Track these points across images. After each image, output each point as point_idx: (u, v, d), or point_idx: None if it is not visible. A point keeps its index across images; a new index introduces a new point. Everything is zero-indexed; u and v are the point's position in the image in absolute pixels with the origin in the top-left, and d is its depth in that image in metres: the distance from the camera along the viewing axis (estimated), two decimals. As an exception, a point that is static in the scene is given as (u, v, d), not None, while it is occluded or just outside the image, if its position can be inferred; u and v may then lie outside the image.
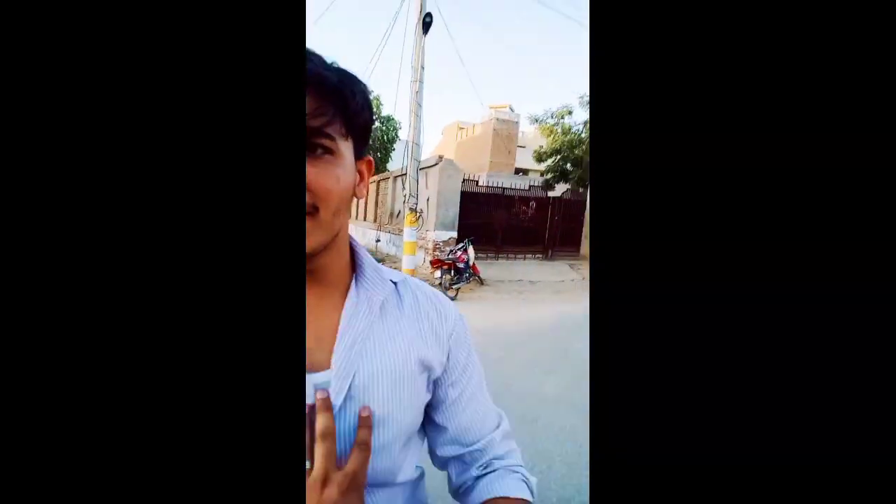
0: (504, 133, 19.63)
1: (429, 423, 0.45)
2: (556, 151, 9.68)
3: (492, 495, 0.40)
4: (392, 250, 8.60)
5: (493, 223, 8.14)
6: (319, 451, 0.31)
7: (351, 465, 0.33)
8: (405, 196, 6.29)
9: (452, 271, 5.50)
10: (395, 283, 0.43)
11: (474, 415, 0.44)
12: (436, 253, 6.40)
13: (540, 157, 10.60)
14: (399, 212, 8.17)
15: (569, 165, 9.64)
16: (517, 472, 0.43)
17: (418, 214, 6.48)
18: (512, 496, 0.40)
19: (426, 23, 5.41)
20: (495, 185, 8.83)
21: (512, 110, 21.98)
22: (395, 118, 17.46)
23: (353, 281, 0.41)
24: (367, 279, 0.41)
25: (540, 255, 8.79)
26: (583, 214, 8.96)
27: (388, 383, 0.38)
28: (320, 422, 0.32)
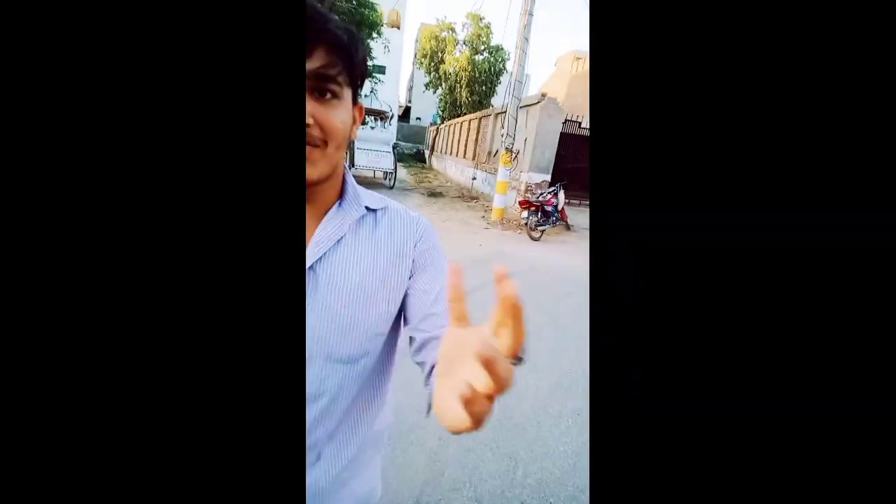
0: (628, 64, 17.20)
1: (405, 321, 0.50)
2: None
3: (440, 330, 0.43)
4: (487, 189, 8.91)
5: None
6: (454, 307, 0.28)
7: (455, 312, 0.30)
8: (503, 135, 6.42)
9: (540, 213, 5.67)
10: (375, 210, 0.49)
11: (441, 307, 0.46)
12: (527, 195, 6.56)
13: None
14: (497, 151, 8.29)
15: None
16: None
17: (514, 155, 6.59)
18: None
19: (543, -55, 5.05)
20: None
21: (642, 36, 18.90)
22: (505, 49, 16.54)
23: (337, 204, 0.46)
24: (346, 203, 0.46)
25: (641, 207, 8.25)
26: (701, 165, 7.98)
27: (350, 288, 0.44)
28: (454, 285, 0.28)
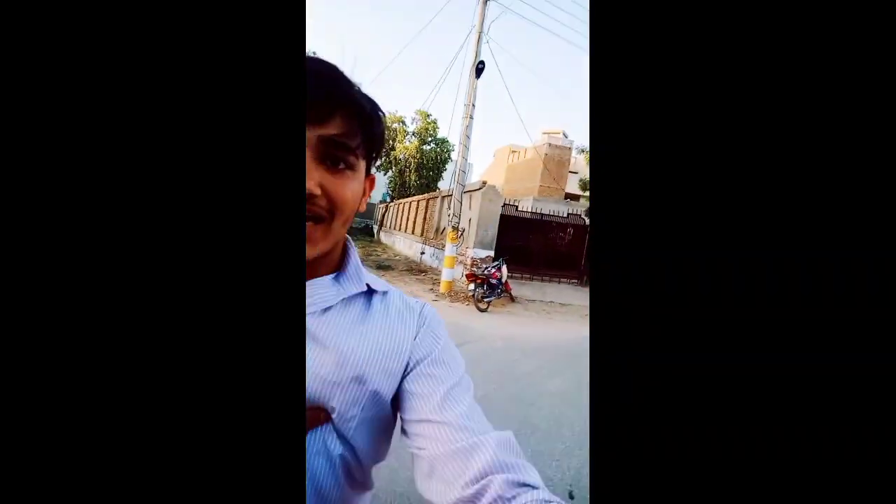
0: (556, 158, 19.99)
1: (407, 435, 0.38)
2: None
3: None
4: (434, 263, 9.37)
5: (530, 246, 8.64)
6: None
7: None
8: (449, 215, 7.06)
9: (486, 286, 6.09)
10: (373, 292, 0.42)
11: (456, 413, 0.35)
12: (473, 268, 7.05)
13: (585, 187, 10.98)
14: (444, 229, 8.95)
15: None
16: (547, 501, 0.30)
17: (460, 232, 7.19)
18: None
19: (479, 69, 6.25)
20: (534, 210, 9.34)
21: (565, 136, 22.31)
22: (450, 141, 18.55)
23: (335, 275, 0.40)
24: (345, 277, 0.40)
25: (575, 281, 9.10)
26: (620, 244, 9.15)
27: (318, 370, 0.35)
28: None
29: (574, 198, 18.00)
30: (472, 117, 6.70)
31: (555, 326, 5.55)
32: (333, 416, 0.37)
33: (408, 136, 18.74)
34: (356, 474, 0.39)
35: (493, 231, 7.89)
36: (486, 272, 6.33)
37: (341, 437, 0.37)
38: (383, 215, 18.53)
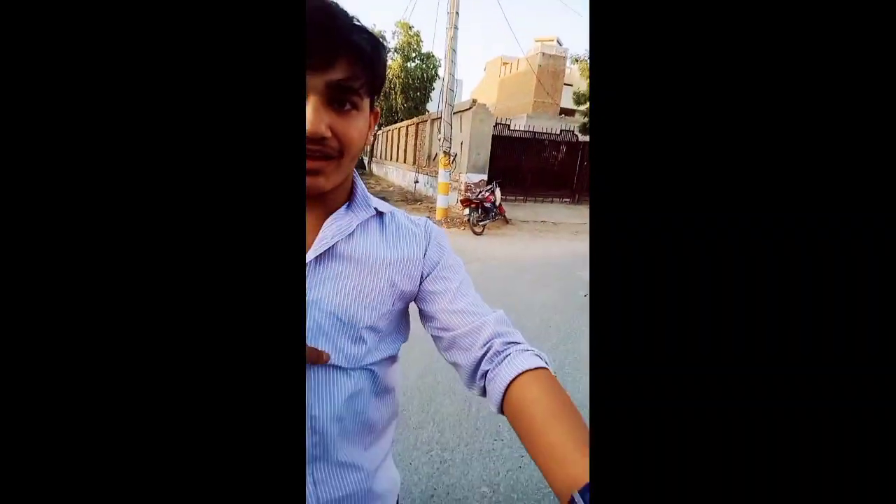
0: (550, 69, 18.66)
1: (427, 322, 0.49)
2: (594, 93, 9.56)
3: (515, 373, 0.39)
4: (429, 192, 9.32)
5: (523, 167, 8.55)
6: None
7: None
8: (440, 140, 6.87)
9: (480, 210, 6.19)
10: (381, 214, 0.49)
11: (464, 304, 0.46)
12: (467, 193, 7.07)
13: (579, 100, 10.49)
14: (435, 154, 8.75)
15: (606, 108, 9.50)
16: (530, 350, 0.43)
17: (452, 157, 7.07)
18: (533, 367, 0.40)
19: (462, -32, 5.60)
20: (527, 128, 9.05)
21: (560, 44, 20.55)
22: (435, 55, 17.14)
23: (346, 205, 0.46)
24: (355, 204, 0.46)
25: (568, 200, 9.17)
26: (614, 159, 9.06)
27: (353, 281, 0.44)
28: None
29: (569, 113, 17.21)
30: (456, 27, 6.17)
31: (546, 245, 5.77)
32: (372, 312, 0.45)
33: (389, 54, 17.26)
34: (382, 375, 0.49)
35: (485, 153, 7.74)
36: (479, 196, 6.37)
37: (376, 329, 0.46)
38: (373, 145, 17.84)
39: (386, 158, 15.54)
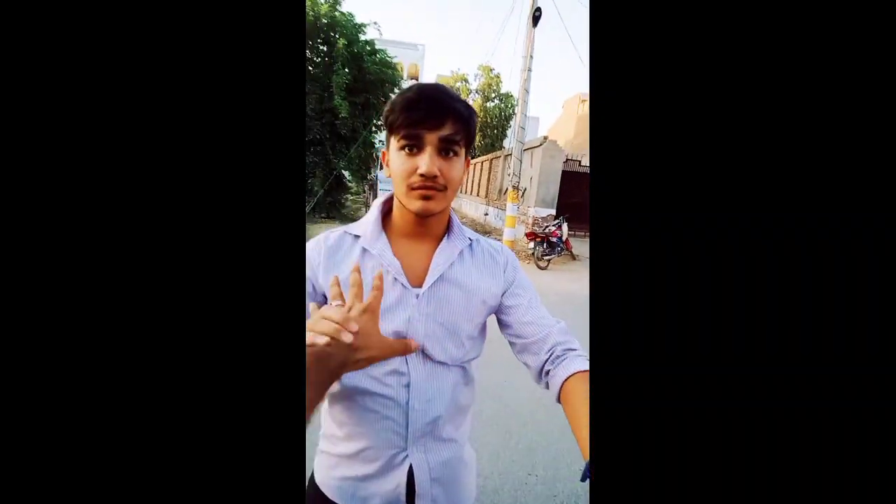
0: (634, 104, 17.97)
1: (504, 329, 0.63)
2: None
3: (570, 373, 0.53)
4: (498, 224, 9.49)
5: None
6: (351, 292, 0.45)
7: (368, 300, 0.46)
8: (509, 174, 7.07)
9: (546, 244, 6.14)
10: (471, 240, 0.63)
11: (533, 316, 0.61)
12: (534, 227, 7.08)
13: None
14: (506, 189, 8.96)
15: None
16: (582, 356, 0.56)
17: (521, 192, 7.18)
18: (584, 369, 0.53)
19: (535, 17, 5.96)
20: (603, 164, 8.81)
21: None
22: (513, 95, 17.75)
23: (445, 236, 0.61)
24: (453, 235, 0.61)
25: (646, 237, 8.57)
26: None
27: (458, 300, 0.59)
28: (352, 278, 0.46)
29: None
30: (530, 69, 6.48)
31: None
32: (470, 324, 0.60)
33: (471, 94, 18.32)
34: (470, 370, 0.64)
35: (554, 188, 7.73)
36: (546, 231, 6.34)
37: (472, 336, 0.61)
38: (449, 178, 18.66)
39: (461, 192, 16.21)
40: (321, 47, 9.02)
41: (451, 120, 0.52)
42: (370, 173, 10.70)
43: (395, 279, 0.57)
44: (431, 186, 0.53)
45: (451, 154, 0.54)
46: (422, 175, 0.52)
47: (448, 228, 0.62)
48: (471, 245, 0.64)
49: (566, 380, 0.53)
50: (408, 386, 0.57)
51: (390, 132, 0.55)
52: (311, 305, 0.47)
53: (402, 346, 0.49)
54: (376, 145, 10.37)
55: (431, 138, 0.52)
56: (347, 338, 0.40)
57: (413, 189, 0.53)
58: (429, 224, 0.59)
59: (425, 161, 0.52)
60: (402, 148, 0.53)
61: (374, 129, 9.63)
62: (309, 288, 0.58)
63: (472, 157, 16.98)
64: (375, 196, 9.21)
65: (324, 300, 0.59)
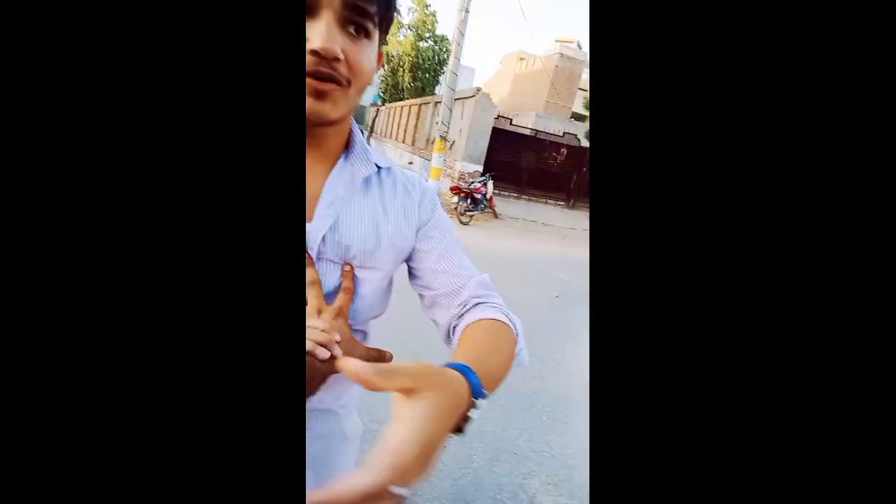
0: (566, 72, 18.40)
1: (413, 279, 0.50)
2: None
3: (472, 320, 0.43)
4: (423, 174, 9.12)
5: (520, 164, 8.38)
6: (310, 293, 0.38)
7: (337, 302, 0.40)
8: (437, 123, 6.65)
9: (469, 200, 6.02)
10: (380, 168, 0.48)
11: (449, 265, 0.48)
12: (459, 182, 6.89)
13: (589, 107, 10.32)
14: (434, 139, 8.53)
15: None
16: (497, 307, 0.46)
17: (449, 143, 6.86)
18: (489, 317, 0.43)
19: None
20: (535, 127, 8.87)
21: (579, 47, 20.25)
22: (449, 40, 16.74)
23: (343, 155, 0.45)
24: (356, 156, 0.45)
25: (563, 203, 9.05)
26: (612, 169, 8.99)
27: (357, 245, 0.44)
28: (308, 274, 0.38)
29: (580, 118, 17.00)
30: (467, 10, 5.91)
31: (531, 243, 5.64)
32: (369, 273, 0.46)
33: (402, 30, 16.79)
34: (367, 331, 0.51)
35: (483, 144, 7.54)
36: (470, 187, 6.20)
37: (365, 291, 0.47)
38: (374, 120, 17.44)
39: (385, 136, 15.24)
40: None
41: None
42: None
43: None
44: (328, 75, 0.37)
45: (361, 33, 0.39)
46: (314, 52, 0.36)
47: (347, 145, 0.47)
48: (379, 172, 0.49)
49: (466, 327, 0.44)
50: None
51: None
52: None
53: (376, 354, 0.43)
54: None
55: (332, 1, 0.36)
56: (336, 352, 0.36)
57: None
58: (323, 136, 0.44)
59: (321, 31, 0.36)
60: None
61: None
62: None
63: (400, 99, 16.16)
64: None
65: None
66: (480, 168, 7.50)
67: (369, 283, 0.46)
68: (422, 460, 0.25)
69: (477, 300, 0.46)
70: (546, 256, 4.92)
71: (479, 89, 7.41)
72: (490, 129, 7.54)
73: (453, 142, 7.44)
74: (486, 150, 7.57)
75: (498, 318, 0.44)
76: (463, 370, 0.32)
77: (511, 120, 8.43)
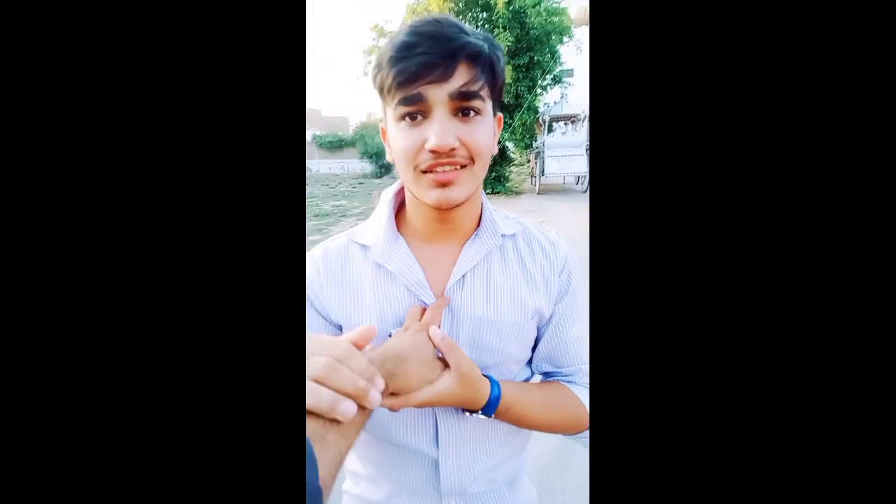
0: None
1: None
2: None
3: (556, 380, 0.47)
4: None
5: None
6: (433, 309, 0.40)
7: (427, 317, 0.40)
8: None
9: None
10: (503, 235, 0.47)
11: (567, 337, 0.48)
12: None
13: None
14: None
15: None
16: (584, 388, 0.48)
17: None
18: (569, 388, 0.47)
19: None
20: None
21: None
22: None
23: (475, 233, 0.46)
24: (483, 231, 0.46)
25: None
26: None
27: (492, 318, 0.44)
28: (432, 310, 0.41)
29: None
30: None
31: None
32: (513, 351, 0.47)
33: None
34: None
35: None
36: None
37: (516, 363, 0.49)
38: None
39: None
40: (481, 14, 7.82)
41: (464, 64, 0.37)
42: (535, 141, 9.39)
43: (416, 295, 0.44)
44: (449, 164, 0.38)
45: (472, 113, 0.39)
46: (433, 151, 0.37)
47: (479, 223, 0.47)
48: (512, 238, 0.48)
49: (553, 381, 0.49)
50: (436, 439, 0.45)
51: (383, 98, 0.40)
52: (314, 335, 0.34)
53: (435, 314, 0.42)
54: (540, 109, 9.06)
55: (439, 96, 0.37)
56: (375, 401, 0.31)
57: (424, 172, 0.39)
58: (455, 219, 0.44)
59: (435, 130, 0.37)
60: (403, 117, 0.38)
61: (539, 90, 8.29)
62: (317, 319, 0.45)
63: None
64: (543, 169, 8.26)
65: (339, 331, 0.46)
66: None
67: (511, 354, 0.46)
68: (414, 402, 0.36)
69: (575, 381, 0.49)
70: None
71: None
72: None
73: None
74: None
75: (578, 395, 0.48)
76: (493, 384, 0.41)
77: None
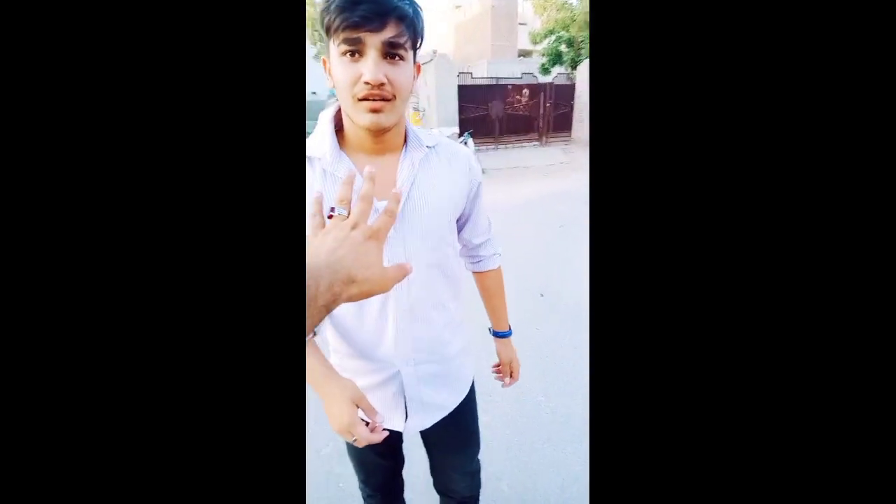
0: (503, 11, 18.07)
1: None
2: (549, 32, 9.63)
3: (486, 269, 0.79)
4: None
5: (490, 114, 8.70)
6: (357, 207, 0.36)
7: (377, 223, 0.37)
8: (407, 96, 6.86)
9: (456, 161, 6.30)
10: (430, 147, 0.62)
11: (479, 221, 0.73)
12: (440, 147, 7.12)
13: (535, 40, 10.49)
14: (408, 112, 8.72)
15: (563, 46, 9.66)
16: (499, 256, 0.80)
17: (421, 112, 7.11)
18: (494, 268, 0.79)
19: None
20: (490, 74, 9.03)
21: (509, -20, 19.63)
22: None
23: (403, 148, 0.60)
24: (410, 146, 0.60)
25: (536, 142, 9.45)
26: (573, 99, 9.26)
27: (432, 209, 0.60)
28: (364, 188, 0.36)
29: (526, 54, 16.91)
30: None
31: (518, 188, 6.11)
32: (445, 234, 0.64)
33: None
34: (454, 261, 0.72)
35: (452, 105, 7.83)
36: (455, 148, 6.48)
37: (445, 243, 0.65)
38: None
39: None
40: None
41: (392, 21, 0.48)
42: None
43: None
44: (378, 96, 0.50)
45: (398, 58, 0.50)
46: (367, 83, 0.49)
47: (406, 139, 0.61)
48: (433, 149, 0.63)
49: (489, 272, 0.81)
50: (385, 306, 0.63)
51: (328, 35, 0.50)
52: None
53: (398, 272, 0.39)
54: None
55: (374, 42, 0.48)
56: (378, 437, 0.54)
57: (359, 100, 0.50)
58: (385, 138, 0.57)
59: (369, 67, 0.48)
60: (344, 54, 0.49)
61: None
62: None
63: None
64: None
65: None
66: (456, 129, 7.84)
67: (444, 237, 0.63)
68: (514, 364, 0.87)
69: (493, 252, 0.79)
70: (535, 195, 5.44)
71: (435, 52, 7.60)
72: (455, 88, 7.81)
73: (424, 110, 7.71)
74: (457, 110, 7.87)
75: (499, 267, 0.81)
76: (509, 334, 0.85)
77: (471, 73, 8.67)
